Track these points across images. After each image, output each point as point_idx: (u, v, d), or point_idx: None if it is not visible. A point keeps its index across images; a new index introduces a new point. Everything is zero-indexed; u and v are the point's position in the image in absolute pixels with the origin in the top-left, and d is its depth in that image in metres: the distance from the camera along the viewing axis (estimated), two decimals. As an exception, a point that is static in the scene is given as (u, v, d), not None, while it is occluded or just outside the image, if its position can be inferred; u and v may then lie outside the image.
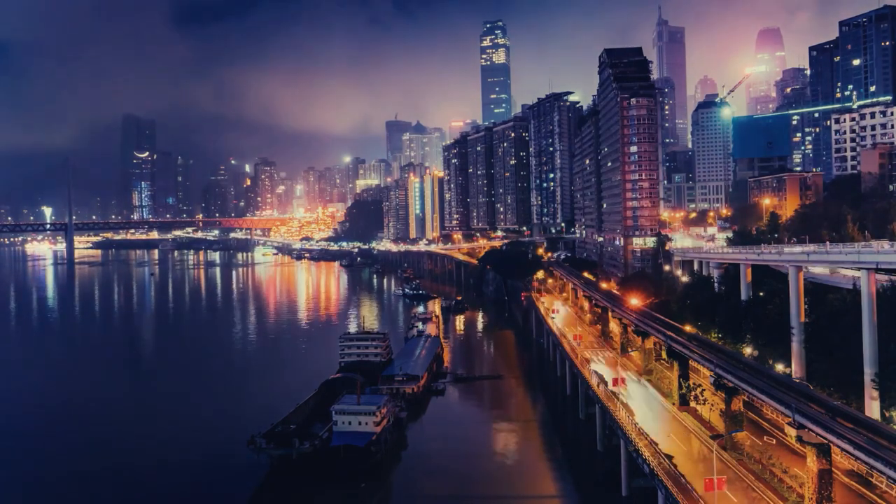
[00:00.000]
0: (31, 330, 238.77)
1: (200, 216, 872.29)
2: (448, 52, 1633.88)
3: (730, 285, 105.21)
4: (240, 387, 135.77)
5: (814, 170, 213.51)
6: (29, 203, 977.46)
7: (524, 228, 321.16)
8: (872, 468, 45.65)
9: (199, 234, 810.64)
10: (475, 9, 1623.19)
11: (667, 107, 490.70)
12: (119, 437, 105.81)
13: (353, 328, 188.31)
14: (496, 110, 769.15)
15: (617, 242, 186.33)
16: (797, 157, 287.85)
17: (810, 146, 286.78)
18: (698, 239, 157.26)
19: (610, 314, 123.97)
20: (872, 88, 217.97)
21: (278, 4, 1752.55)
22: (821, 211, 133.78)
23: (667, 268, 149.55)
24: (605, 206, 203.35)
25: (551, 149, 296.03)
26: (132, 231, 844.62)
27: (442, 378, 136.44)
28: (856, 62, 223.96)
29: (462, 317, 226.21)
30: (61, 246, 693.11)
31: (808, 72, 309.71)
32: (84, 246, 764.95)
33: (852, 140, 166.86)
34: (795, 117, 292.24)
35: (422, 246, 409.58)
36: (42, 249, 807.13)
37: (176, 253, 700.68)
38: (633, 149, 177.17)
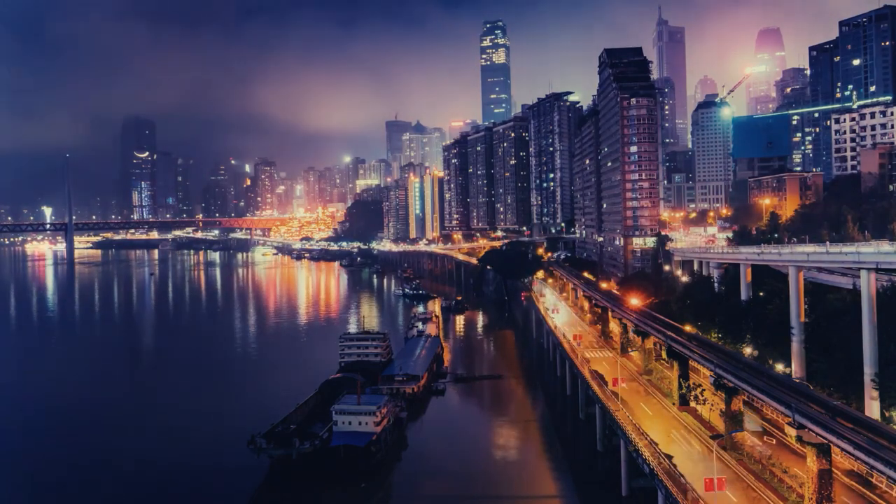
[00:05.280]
0: (30, 330, 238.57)
1: (200, 216, 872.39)
2: (448, 52, 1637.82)
3: (730, 285, 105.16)
4: (240, 387, 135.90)
5: (814, 170, 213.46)
6: (29, 203, 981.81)
7: (524, 228, 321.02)
8: (872, 468, 45.63)
9: (199, 235, 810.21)
10: (475, 9, 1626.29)
11: (667, 107, 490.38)
12: (119, 437, 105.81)
13: (353, 328, 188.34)
14: (496, 110, 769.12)
15: (617, 242, 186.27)
16: (797, 157, 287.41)
17: (810, 146, 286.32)
18: (701, 239, 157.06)
19: (610, 314, 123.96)
20: (872, 88, 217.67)
21: (280, 9, 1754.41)
22: (821, 211, 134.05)
23: (667, 268, 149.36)
24: (605, 206, 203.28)
25: (551, 149, 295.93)
26: (132, 231, 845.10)
27: (442, 378, 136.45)
28: (856, 62, 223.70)
29: (462, 317, 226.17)
30: (61, 246, 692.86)
31: (808, 72, 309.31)
32: (84, 246, 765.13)
33: (852, 140, 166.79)
34: (795, 117, 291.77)
35: (422, 246, 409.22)
36: (42, 249, 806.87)
37: (176, 253, 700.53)
38: (633, 149, 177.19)
